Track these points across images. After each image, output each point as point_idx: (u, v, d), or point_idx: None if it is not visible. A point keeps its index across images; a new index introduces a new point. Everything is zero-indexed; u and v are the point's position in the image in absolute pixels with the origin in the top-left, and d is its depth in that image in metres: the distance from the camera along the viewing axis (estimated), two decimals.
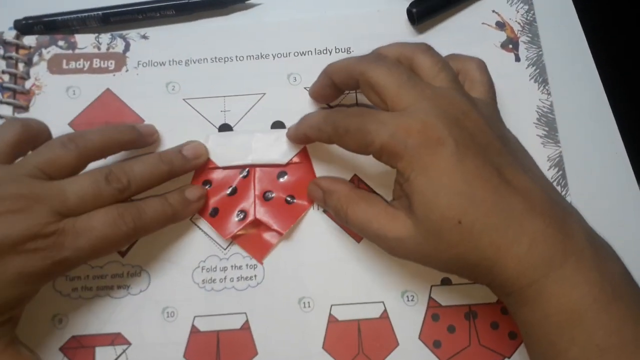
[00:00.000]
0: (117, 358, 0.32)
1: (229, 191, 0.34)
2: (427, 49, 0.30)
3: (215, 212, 0.34)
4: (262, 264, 0.34)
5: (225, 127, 0.36)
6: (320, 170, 0.35)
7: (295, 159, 0.35)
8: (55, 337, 0.33)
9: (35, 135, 0.30)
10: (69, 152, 0.29)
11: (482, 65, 0.32)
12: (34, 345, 0.32)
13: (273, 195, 0.34)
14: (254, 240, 0.34)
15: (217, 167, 0.35)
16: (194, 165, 0.34)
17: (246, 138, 0.35)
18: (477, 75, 0.31)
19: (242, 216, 0.34)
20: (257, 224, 0.34)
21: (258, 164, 0.35)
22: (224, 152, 0.35)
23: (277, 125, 0.36)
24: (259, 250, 0.34)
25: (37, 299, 0.31)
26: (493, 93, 0.32)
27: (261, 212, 0.34)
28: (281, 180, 0.34)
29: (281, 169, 0.35)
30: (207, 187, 0.34)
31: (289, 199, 0.34)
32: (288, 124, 0.36)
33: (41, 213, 0.27)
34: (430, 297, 0.33)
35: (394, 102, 0.27)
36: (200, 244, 0.34)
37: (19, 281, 0.27)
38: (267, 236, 0.34)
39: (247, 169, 0.35)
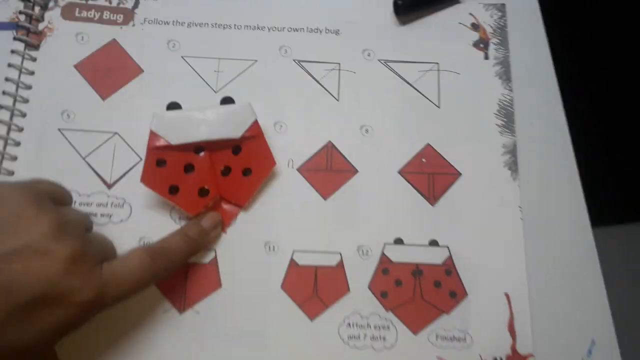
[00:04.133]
0: None
1: (185, 169, 0.35)
2: None
3: (175, 190, 0.35)
4: (225, 232, 0.37)
5: (174, 106, 0.38)
6: (295, 138, 0.39)
7: (248, 133, 0.36)
8: None
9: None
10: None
11: None
12: None
13: (230, 169, 0.37)
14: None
15: (170, 145, 0.35)
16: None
17: (196, 115, 0.35)
18: None
19: (205, 193, 0.36)
20: (219, 200, 0.37)
21: (212, 139, 0.35)
22: (175, 130, 0.35)
23: (227, 101, 0.39)
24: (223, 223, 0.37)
25: None
26: None
27: (222, 188, 0.36)
28: (237, 154, 0.37)
29: (236, 144, 0.36)
30: (162, 166, 0.35)
31: (245, 172, 0.37)
32: (277, 91, 0.40)
33: (89, 265, 0.28)
34: (382, 253, 0.36)
35: None
36: None
37: (54, 332, 0.27)
38: (228, 207, 0.37)
39: (201, 147, 0.36)
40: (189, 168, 0.36)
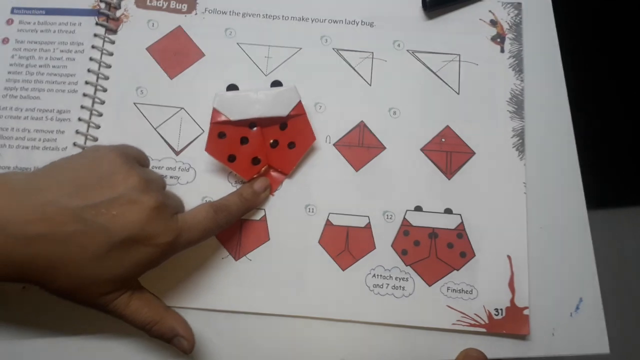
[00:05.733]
0: None
1: (241, 141, 0.42)
2: None
3: (232, 158, 0.42)
4: (273, 195, 0.43)
5: (232, 87, 0.45)
6: (332, 117, 0.45)
7: (293, 112, 0.43)
8: None
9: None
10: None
11: None
12: None
13: (278, 143, 0.43)
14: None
15: (230, 121, 0.41)
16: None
17: (251, 95, 0.41)
18: None
19: (257, 162, 0.43)
20: (268, 168, 0.44)
21: (263, 117, 0.41)
22: (234, 108, 0.41)
23: (277, 84, 0.45)
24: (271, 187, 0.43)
25: None
26: None
27: (271, 158, 0.43)
28: (283, 130, 0.43)
29: (283, 121, 0.43)
30: (222, 138, 0.41)
31: (290, 145, 0.43)
32: (318, 76, 0.46)
33: (168, 215, 0.35)
34: (404, 218, 0.43)
35: None
36: None
37: (140, 266, 0.34)
38: (275, 174, 0.44)
39: (254, 123, 0.42)
40: (244, 140, 0.42)
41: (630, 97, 1.06)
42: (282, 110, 0.42)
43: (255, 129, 0.42)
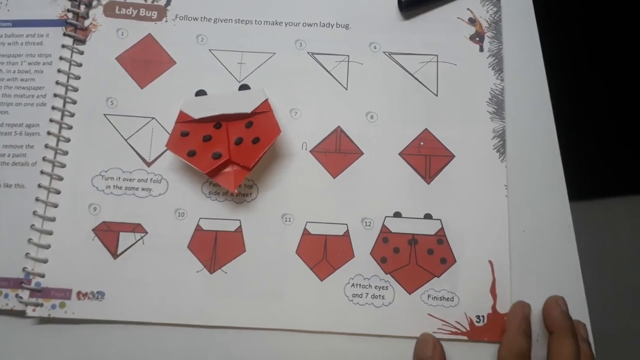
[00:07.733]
0: (135, 242, 0.42)
1: (204, 139, 0.42)
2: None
3: (192, 153, 0.41)
4: (235, 192, 0.42)
5: (201, 93, 0.44)
6: (308, 123, 0.44)
7: (259, 109, 0.42)
8: (89, 221, 0.42)
9: None
10: None
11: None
12: (73, 226, 0.41)
13: (242, 140, 0.42)
14: (227, 176, 0.41)
15: (193, 119, 0.42)
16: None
17: (217, 96, 0.43)
18: None
19: (217, 156, 0.41)
20: (230, 163, 0.41)
21: (227, 113, 0.41)
22: (199, 108, 0.42)
23: (244, 87, 0.44)
24: (232, 182, 0.41)
25: (77, 191, 0.41)
26: None
27: (234, 154, 0.41)
28: (249, 128, 0.42)
29: (248, 120, 0.42)
30: (185, 136, 0.41)
31: (254, 141, 0.41)
32: (292, 81, 0.45)
33: None
34: (383, 224, 0.42)
35: None
36: None
37: None
38: (237, 169, 0.41)
39: (220, 123, 0.42)
40: (207, 138, 0.41)
41: (615, 89, 1.05)
42: (247, 107, 0.42)
43: (219, 127, 0.42)
